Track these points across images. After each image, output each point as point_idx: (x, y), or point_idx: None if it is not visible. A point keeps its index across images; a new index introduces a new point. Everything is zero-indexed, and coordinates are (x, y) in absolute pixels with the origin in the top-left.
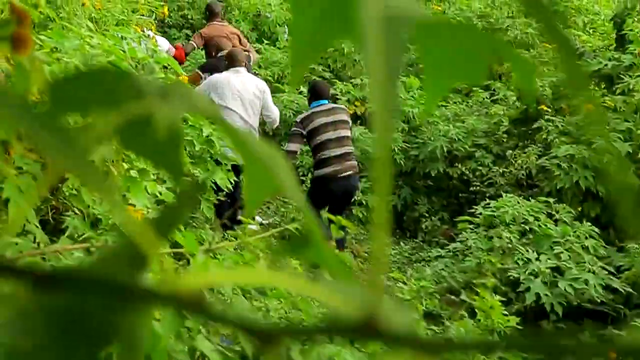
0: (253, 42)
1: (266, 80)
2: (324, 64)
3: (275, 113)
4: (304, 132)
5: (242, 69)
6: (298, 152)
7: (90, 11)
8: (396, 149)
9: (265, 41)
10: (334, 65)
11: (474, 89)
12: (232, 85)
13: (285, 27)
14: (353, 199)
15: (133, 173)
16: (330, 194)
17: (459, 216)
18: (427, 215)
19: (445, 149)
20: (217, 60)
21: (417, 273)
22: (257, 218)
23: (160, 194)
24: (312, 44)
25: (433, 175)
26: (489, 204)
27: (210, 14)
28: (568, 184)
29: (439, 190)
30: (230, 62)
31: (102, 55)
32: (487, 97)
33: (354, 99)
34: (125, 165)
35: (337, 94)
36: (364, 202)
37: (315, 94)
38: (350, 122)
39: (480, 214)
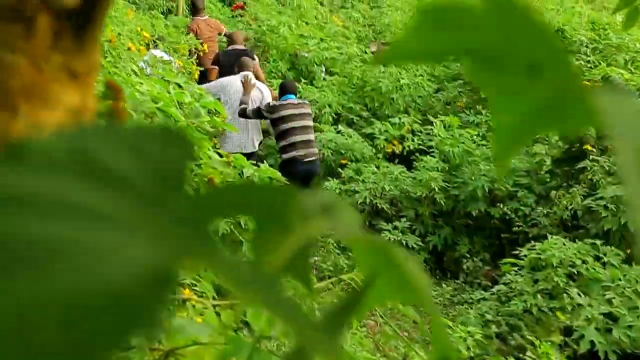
0: (290, 81)
1: None
2: (361, 102)
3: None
4: (269, 116)
5: (249, 74)
6: (248, 106)
7: (135, 55)
8: (436, 188)
9: (303, 80)
10: (371, 104)
11: None
12: (237, 89)
13: (323, 66)
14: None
15: None
16: (295, 175)
17: (500, 257)
18: (468, 255)
19: (486, 189)
20: (228, 55)
21: (461, 316)
22: None
23: None
24: (516, 138)
25: (474, 215)
26: (534, 245)
27: (194, 9)
28: (615, 226)
29: (480, 230)
30: (240, 68)
31: (150, 102)
32: None
33: (391, 137)
34: None
35: (374, 133)
36: (403, 242)
37: (285, 90)
38: (312, 114)
39: (525, 255)
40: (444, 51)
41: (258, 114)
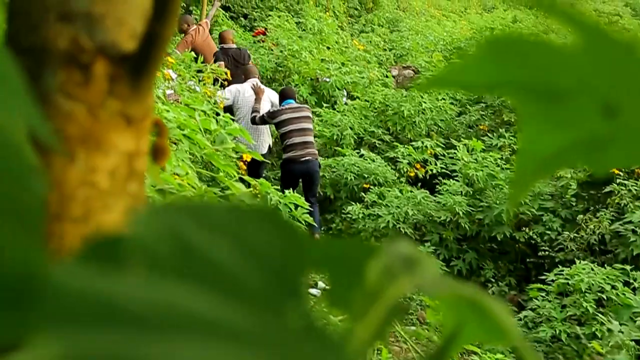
0: (312, 105)
1: (325, 143)
2: (383, 126)
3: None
4: (270, 121)
5: (256, 80)
6: (258, 113)
7: (161, 82)
8: (460, 212)
9: (325, 104)
10: (393, 127)
11: None
12: (247, 96)
13: (344, 90)
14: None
15: None
16: (293, 173)
17: (526, 282)
18: (493, 280)
19: (511, 213)
20: (226, 54)
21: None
22: (320, 284)
23: None
24: (542, 169)
25: (499, 239)
26: (561, 270)
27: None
28: None
29: (505, 255)
30: (247, 76)
31: (176, 129)
32: None
33: (414, 161)
34: None
35: (397, 157)
36: None
37: (285, 95)
38: (312, 117)
39: (553, 280)
40: (501, 83)
41: (262, 120)
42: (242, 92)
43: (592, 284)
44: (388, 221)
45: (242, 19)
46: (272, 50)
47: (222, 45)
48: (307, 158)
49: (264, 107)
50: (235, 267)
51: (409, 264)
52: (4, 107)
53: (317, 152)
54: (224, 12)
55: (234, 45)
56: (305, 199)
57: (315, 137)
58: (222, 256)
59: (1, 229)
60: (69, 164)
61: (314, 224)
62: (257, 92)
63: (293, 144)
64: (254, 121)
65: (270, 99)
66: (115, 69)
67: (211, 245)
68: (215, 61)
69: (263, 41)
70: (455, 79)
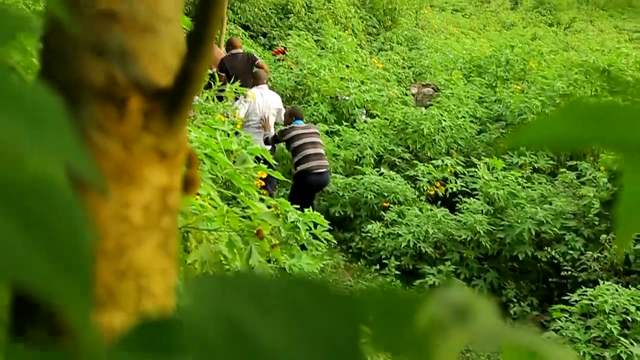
0: (331, 123)
1: (344, 161)
2: (402, 144)
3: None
4: (282, 139)
5: (264, 86)
6: (270, 134)
7: None
8: (481, 231)
9: (344, 123)
10: (413, 146)
11: (560, 169)
12: (257, 101)
13: (363, 108)
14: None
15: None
16: (307, 185)
17: (548, 302)
18: (515, 300)
19: (532, 232)
20: (235, 59)
21: None
22: None
23: None
24: None
25: (520, 258)
26: (585, 291)
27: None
28: None
29: (527, 274)
30: (255, 81)
31: (199, 148)
32: (574, 178)
33: (434, 180)
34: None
35: (417, 175)
36: None
37: (294, 115)
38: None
39: (576, 301)
40: (587, 140)
41: (275, 140)
42: (252, 102)
43: (617, 305)
44: (408, 240)
45: (261, 37)
46: (291, 68)
47: (231, 51)
48: (322, 170)
49: (270, 121)
50: (289, 353)
51: (462, 314)
52: (52, 150)
53: (327, 163)
54: (243, 30)
55: (241, 51)
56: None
57: (334, 155)
58: (276, 342)
59: (51, 281)
60: (103, 199)
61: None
62: (266, 126)
63: (306, 156)
64: (267, 142)
65: (273, 105)
66: (150, 105)
67: (265, 329)
68: (220, 71)
69: (282, 60)
70: (542, 137)
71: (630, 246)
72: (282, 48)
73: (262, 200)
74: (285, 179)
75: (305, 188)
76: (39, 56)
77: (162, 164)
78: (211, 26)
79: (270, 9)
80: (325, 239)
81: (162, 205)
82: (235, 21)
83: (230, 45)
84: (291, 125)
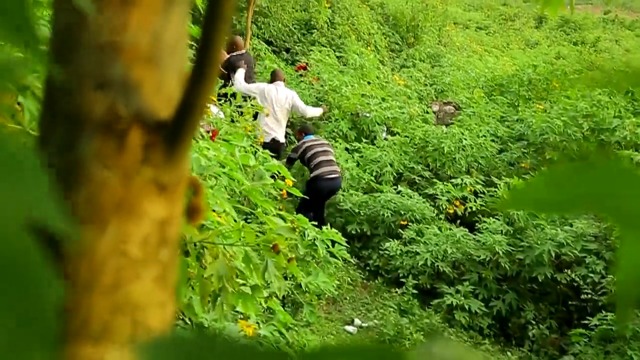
0: (352, 140)
1: (363, 179)
2: (422, 162)
3: (302, 108)
4: (296, 156)
5: (281, 83)
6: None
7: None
8: (500, 252)
9: (364, 140)
10: (433, 164)
11: None
12: (273, 95)
13: (384, 125)
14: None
15: (245, 289)
16: (319, 190)
17: (568, 325)
18: (533, 322)
19: (552, 254)
20: (242, 58)
21: None
22: (357, 321)
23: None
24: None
25: (540, 280)
26: (605, 316)
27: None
28: None
29: (546, 296)
30: (273, 78)
31: (216, 167)
32: None
33: (453, 198)
34: (240, 281)
35: (436, 194)
36: (466, 306)
37: (304, 132)
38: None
39: (596, 325)
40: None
41: (290, 161)
42: (268, 91)
43: (637, 331)
44: (426, 259)
45: (284, 53)
46: (312, 84)
47: (237, 52)
48: (333, 176)
49: (280, 114)
50: None
51: None
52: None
53: (339, 169)
54: (266, 45)
55: (244, 51)
56: (321, 210)
57: (354, 172)
58: None
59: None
60: (100, 233)
61: (350, 259)
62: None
63: (319, 162)
64: (290, 162)
65: (286, 100)
66: (150, 137)
67: None
68: (233, 67)
69: (304, 75)
70: (527, 201)
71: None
72: (305, 64)
73: (280, 216)
74: (303, 196)
75: (316, 194)
76: (43, 85)
77: (161, 196)
78: (213, 59)
79: (293, 24)
80: (342, 257)
81: (161, 237)
82: (259, 36)
83: (234, 45)
84: (302, 140)
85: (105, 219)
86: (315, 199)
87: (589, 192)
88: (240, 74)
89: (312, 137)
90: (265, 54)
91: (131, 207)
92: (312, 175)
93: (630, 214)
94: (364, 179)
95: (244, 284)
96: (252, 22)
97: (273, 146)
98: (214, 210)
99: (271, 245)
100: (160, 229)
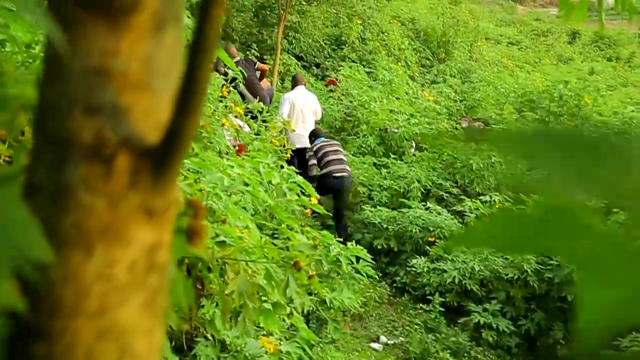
0: (380, 156)
1: (391, 195)
2: (451, 179)
3: (319, 111)
4: (312, 155)
5: (303, 87)
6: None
7: (229, 131)
8: (529, 270)
9: (392, 155)
10: (461, 180)
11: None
12: (297, 101)
13: (412, 141)
14: (349, 195)
15: (267, 305)
16: (327, 187)
17: None
18: (562, 342)
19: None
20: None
21: None
22: (382, 338)
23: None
24: (609, 325)
25: (569, 299)
26: (636, 337)
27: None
28: None
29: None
30: (295, 83)
31: (240, 184)
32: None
33: (482, 216)
34: (262, 297)
35: (464, 211)
36: (494, 325)
37: (316, 135)
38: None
39: (627, 347)
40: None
41: (309, 166)
42: (294, 99)
43: None
44: (454, 276)
45: (314, 68)
46: (341, 100)
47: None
48: (342, 174)
49: (308, 118)
50: None
51: None
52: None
53: (348, 168)
54: (296, 61)
55: (238, 58)
56: (337, 209)
57: (382, 187)
58: None
59: None
60: (87, 258)
61: (376, 275)
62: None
63: (329, 161)
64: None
65: (312, 105)
66: (138, 162)
67: None
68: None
69: (333, 91)
70: (478, 242)
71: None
72: (334, 79)
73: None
74: (327, 213)
75: (325, 191)
76: (33, 108)
77: (149, 222)
78: (201, 80)
79: (324, 40)
80: (366, 274)
81: (149, 263)
82: (290, 51)
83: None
84: (314, 144)
85: (91, 243)
86: (327, 192)
87: (543, 235)
88: (285, 109)
89: (322, 139)
90: (295, 69)
91: (118, 232)
92: (321, 172)
93: (587, 258)
94: (392, 195)
95: (265, 301)
96: (282, 37)
97: (301, 154)
98: (237, 227)
99: (292, 262)
100: (148, 255)
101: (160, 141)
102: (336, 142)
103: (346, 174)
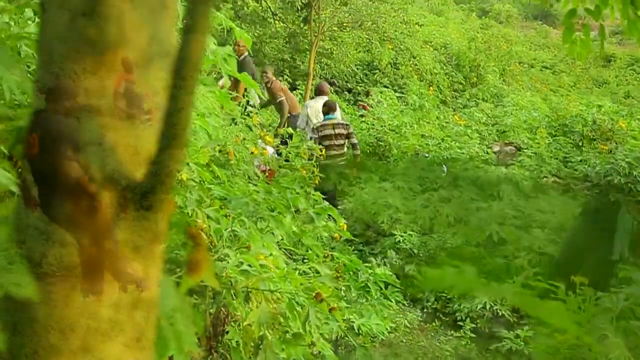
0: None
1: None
2: None
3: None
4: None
5: (326, 97)
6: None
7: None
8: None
9: None
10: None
11: None
12: (316, 109)
13: (443, 166)
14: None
15: (288, 336)
16: (329, 167)
17: None
18: None
19: None
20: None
21: None
22: None
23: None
24: None
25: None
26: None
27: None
28: None
29: None
30: (318, 92)
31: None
32: None
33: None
34: (284, 327)
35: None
36: (526, 352)
37: (328, 110)
38: (347, 129)
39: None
40: None
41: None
42: (314, 106)
43: None
44: (485, 302)
45: (346, 93)
46: (373, 124)
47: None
48: (342, 158)
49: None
50: None
51: None
52: None
53: (346, 151)
54: (329, 86)
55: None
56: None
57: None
58: None
59: None
60: (71, 294)
61: (404, 302)
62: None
63: (329, 145)
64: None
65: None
66: (123, 198)
67: None
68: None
69: (365, 116)
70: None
71: None
72: (366, 104)
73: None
74: (353, 238)
75: (328, 174)
76: (24, 142)
77: (136, 257)
78: (183, 124)
79: (356, 65)
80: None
81: (135, 299)
82: (322, 77)
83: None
84: (323, 122)
85: (75, 280)
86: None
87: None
88: (302, 122)
89: (333, 117)
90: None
91: (103, 268)
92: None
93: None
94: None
95: (287, 331)
96: (315, 62)
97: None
98: (262, 254)
99: (314, 295)
100: (134, 290)
101: (145, 176)
102: (342, 125)
103: (346, 156)
